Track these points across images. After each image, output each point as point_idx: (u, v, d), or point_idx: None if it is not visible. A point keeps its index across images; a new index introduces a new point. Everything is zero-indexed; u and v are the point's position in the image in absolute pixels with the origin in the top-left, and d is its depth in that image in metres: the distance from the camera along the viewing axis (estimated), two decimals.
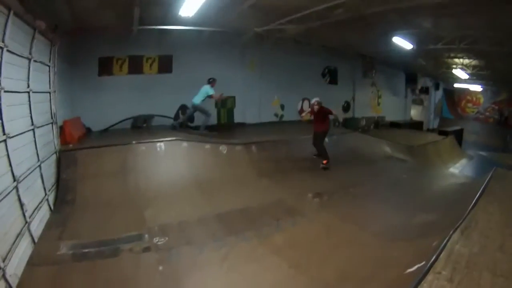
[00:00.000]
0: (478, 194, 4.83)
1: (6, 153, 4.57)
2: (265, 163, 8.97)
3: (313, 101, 9.50)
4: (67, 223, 5.82)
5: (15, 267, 4.17)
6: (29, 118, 5.87)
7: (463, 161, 13.82)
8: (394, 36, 11.76)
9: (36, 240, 5.10)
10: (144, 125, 11.42)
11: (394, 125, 18.44)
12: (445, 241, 3.80)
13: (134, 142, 8.28)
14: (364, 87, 18.14)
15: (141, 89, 11.93)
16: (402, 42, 12.24)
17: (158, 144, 8.41)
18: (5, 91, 4.66)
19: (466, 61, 16.25)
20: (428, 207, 6.26)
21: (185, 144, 8.68)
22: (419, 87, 21.04)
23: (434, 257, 3.49)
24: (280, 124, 14.80)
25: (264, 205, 6.56)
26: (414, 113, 21.83)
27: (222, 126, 13.58)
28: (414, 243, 4.20)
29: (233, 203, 6.67)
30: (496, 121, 23.82)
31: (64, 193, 6.79)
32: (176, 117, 12.42)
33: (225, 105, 13.93)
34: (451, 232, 3.64)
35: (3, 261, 3.88)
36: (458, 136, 16.31)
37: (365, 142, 11.95)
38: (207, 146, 8.89)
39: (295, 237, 5.36)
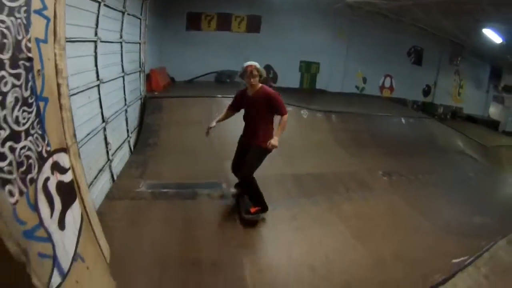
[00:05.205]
0: None
1: (98, 96, 4.95)
2: (343, 133, 8.85)
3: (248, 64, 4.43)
4: (147, 164, 6.19)
5: (94, 199, 4.40)
6: (120, 66, 6.30)
7: None
8: (485, 27, 10.78)
9: (115, 177, 5.49)
10: (228, 80, 11.65)
11: (470, 119, 17.51)
12: (491, 244, 4.35)
13: (219, 95, 8.53)
14: (447, 73, 16.90)
15: (228, 45, 12.14)
16: (492, 35, 11.28)
17: None
18: (101, 41, 4.99)
19: None
20: (488, 210, 6.25)
21: None
22: (502, 84, 18.63)
23: (478, 254, 4.11)
24: (360, 97, 14.42)
25: (337, 174, 6.57)
26: (493, 110, 19.51)
27: (304, 90, 13.49)
28: (466, 240, 4.50)
29: (309, 166, 6.70)
30: None
31: (146, 137, 7.20)
32: None
33: (309, 70, 13.78)
34: (499, 238, 4.11)
35: None
36: None
37: (440, 131, 11.47)
38: (289, 108, 8.73)
39: (362, 209, 5.39)
